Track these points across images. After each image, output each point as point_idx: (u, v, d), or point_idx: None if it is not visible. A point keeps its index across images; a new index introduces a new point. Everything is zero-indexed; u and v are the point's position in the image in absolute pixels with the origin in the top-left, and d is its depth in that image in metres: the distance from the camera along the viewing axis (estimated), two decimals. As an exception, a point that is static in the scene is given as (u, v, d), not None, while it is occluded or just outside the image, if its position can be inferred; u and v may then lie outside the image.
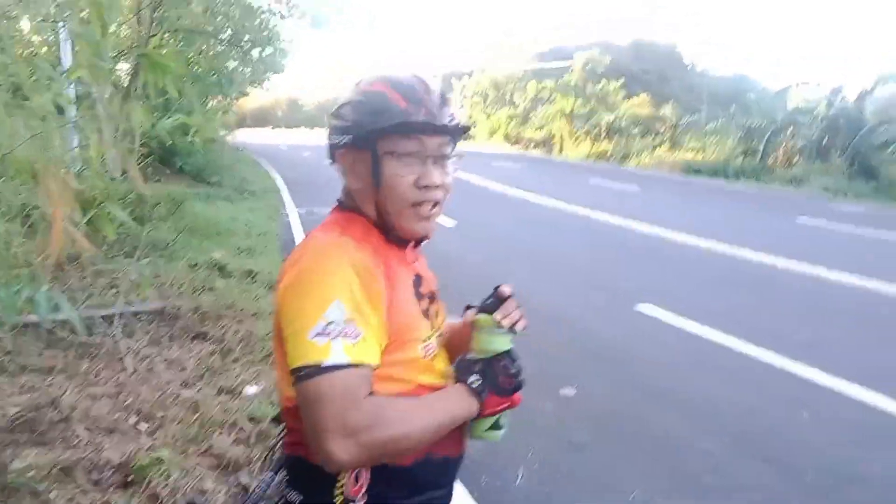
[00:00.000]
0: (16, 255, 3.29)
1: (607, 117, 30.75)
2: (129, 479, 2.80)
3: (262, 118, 58.80)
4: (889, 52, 59.69)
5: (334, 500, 1.18)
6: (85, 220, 3.55)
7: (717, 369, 4.83)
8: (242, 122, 49.06)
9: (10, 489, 2.50)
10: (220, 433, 3.35)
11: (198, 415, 3.50)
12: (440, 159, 1.24)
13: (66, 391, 3.44)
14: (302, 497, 1.23)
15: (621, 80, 32.37)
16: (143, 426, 3.38)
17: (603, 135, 30.58)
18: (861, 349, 5.32)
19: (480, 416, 1.24)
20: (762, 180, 21.03)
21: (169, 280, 5.90)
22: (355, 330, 1.09)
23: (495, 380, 1.24)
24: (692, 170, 23.14)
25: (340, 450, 1.06)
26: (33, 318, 3.76)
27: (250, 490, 1.37)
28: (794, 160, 22.90)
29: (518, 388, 1.27)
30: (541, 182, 18.61)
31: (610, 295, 6.86)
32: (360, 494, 1.18)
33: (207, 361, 4.32)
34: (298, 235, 9.48)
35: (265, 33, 17.29)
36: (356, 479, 1.18)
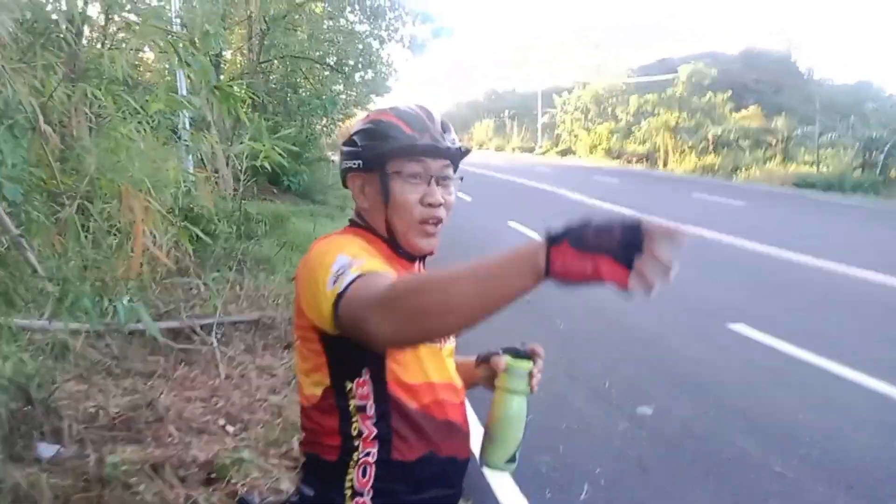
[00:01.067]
0: (101, 268, 3.63)
1: (714, 130, 29.76)
2: (212, 477, 3.04)
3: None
4: None
5: (344, 493, 1.28)
6: (167, 238, 3.85)
7: (803, 391, 4.65)
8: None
9: (105, 481, 2.78)
10: (300, 438, 3.56)
11: (281, 419, 3.73)
12: (443, 180, 1.36)
13: (162, 393, 3.75)
14: (314, 491, 1.33)
15: (728, 93, 31.27)
16: (231, 428, 3.65)
17: (710, 148, 29.61)
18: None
19: (557, 275, 0.93)
20: (881, 194, 19.74)
21: (267, 292, 6.25)
22: (361, 261, 1.17)
23: (581, 231, 0.94)
24: (805, 183, 22.00)
25: (381, 322, 1.02)
26: (140, 325, 4.13)
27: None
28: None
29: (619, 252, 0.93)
30: (640, 197, 18.25)
31: (701, 314, 6.69)
32: (368, 487, 1.28)
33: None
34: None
35: (369, 57, 17.99)
36: (363, 473, 1.28)
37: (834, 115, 28.13)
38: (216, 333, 4.84)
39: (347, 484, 1.29)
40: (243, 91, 4.17)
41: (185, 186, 5.85)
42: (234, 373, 4.45)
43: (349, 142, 1.39)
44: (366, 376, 1.28)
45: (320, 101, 16.50)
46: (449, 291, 0.98)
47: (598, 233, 0.92)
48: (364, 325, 1.05)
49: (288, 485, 3.13)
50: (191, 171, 7.55)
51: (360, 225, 1.41)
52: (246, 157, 6.68)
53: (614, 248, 0.92)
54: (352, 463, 1.29)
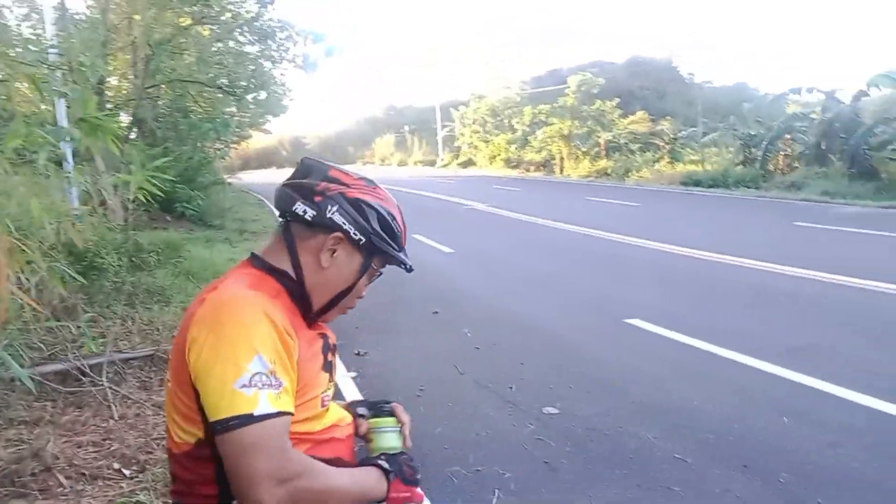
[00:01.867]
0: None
1: (605, 135, 30.91)
2: (107, 524, 2.87)
3: (266, 159, 59.37)
4: (881, 52, 59.81)
5: None
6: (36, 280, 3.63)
7: (698, 379, 4.86)
8: (247, 164, 49.60)
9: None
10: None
11: (180, 456, 3.57)
12: None
13: (49, 441, 3.52)
14: None
15: (616, 100, 32.60)
16: (127, 471, 3.46)
17: (602, 153, 30.72)
18: (851, 352, 5.32)
19: (386, 499, 1.31)
20: (761, 188, 21.02)
21: (161, 325, 6.00)
22: (277, 380, 1.13)
23: (401, 468, 1.34)
24: (692, 181, 23.15)
25: (272, 498, 1.08)
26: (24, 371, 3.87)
27: None
28: (793, 166, 22.89)
29: (417, 483, 1.36)
30: (539, 203, 18.70)
31: (600, 312, 6.90)
32: None
33: (195, 403, 4.39)
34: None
35: (261, 78, 17.68)
36: None
37: (715, 116, 29.83)
38: (107, 373, 4.59)
39: None
40: (117, 123, 4.00)
41: (69, 220, 5.55)
42: (129, 412, 4.23)
43: (360, 209, 1.32)
44: None
45: (213, 125, 16.08)
46: (335, 484, 1.20)
47: (412, 470, 1.36)
48: (253, 488, 1.09)
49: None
50: (76, 204, 7.20)
51: (264, 267, 1.32)
52: (128, 188, 6.42)
53: (417, 480, 1.37)
54: None
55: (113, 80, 15.58)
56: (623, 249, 10.77)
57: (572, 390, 4.71)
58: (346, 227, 1.30)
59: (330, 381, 1.35)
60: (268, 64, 18.16)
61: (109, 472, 3.44)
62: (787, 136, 23.36)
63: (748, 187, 21.24)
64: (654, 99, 40.70)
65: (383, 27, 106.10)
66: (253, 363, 1.12)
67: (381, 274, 1.42)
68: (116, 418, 4.08)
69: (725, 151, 25.74)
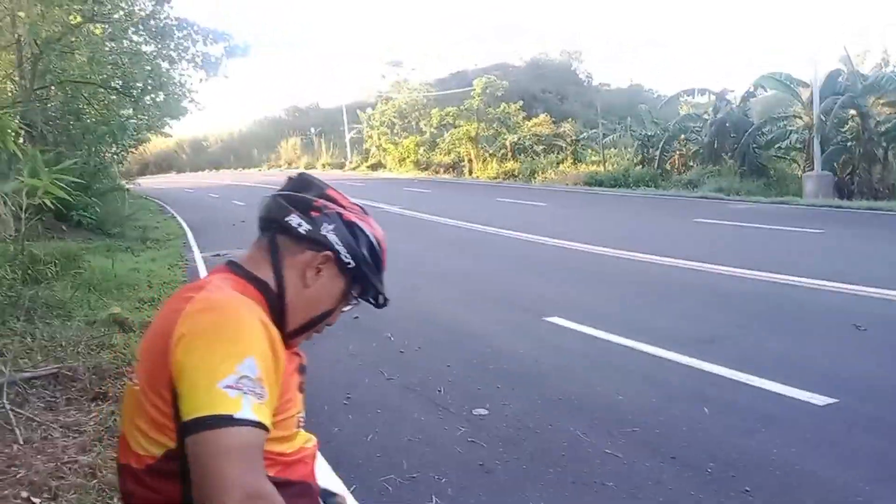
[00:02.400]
0: None
1: (511, 138, 31.46)
2: (20, 559, 2.65)
3: (166, 163, 57.23)
4: (768, 54, 63.71)
5: None
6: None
7: (620, 373, 4.99)
8: (146, 169, 47.63)
9: None
10: (120, 498, 3.22)
11: (95, 480, 3.36)
12: None
13: (-54, 473, 3.23)
14: None
15: (520, 102, 33.25)
16: (36, 500, 3.22)
17: (509, 155, 31.24)
18: (758, 341, 5.60)
19: None
20: (660, 186, 21.92)
21: (65, 341, 5.64)
22: (263, 391, 1.07)
23: None
24: (594, 181, 23.90)
25: None
26: None
27: None
28: (689, 165, 24.00)
29: None
30: (451, 204, 18.82)
31: (519, 310, 6.99)
32: None
33: (107, 422, 4.14)
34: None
35: (158, 79, 16.93)
36: None
37: (613, 118, 30.89)
38: (7, 394, 4.26)
39: None
40: (13, 121, 3.71)
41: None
42: (35, 436, 3.94)
43: (355, 233, 1.30)
44: None
45: (108, 128, 15.32)
46: None
47: None
48: (219, 493, 0.98)
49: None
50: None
51: (246, 276, 1.26)
52: (25, 195, 5.99)
53: None
54: None
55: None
56: (535, 249, 10.97)
57: (499, 390, 4.74)
58: (338, 247, 1.27)
59: (303, 403, 1.30)
60: (165, 64, 17.44)
61: (17, 501, 3.19)
62: (682, 136, 24.50)
63: (648, 186, 22.10)
64: (555, 101, 41.83)
65: (338, 24, 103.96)
66: (243, 365, 1.06)
67: (355, 304, 1.38)
68: (21, 443, 3.79)
69: (625, 152, 26.71)
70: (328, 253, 1.27)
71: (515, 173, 29.18)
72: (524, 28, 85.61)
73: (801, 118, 19.92)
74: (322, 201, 1.29)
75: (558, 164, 28.57)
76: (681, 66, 72.88)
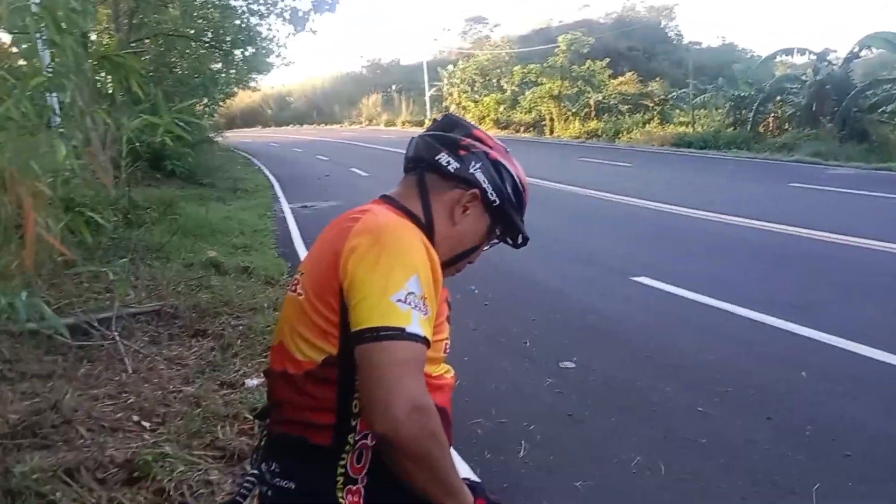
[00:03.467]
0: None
1: (595, 96, 30.67)
2: (135, 476, 2.83)
3: (251, 117, 58.50)
4: (872, 14, 59.65)
5: (336, 480, 1.16)
6: (62, 225, 3.53)
7: (713, 334, 4.87)
8: (232, 123, 48.88)
9: (14, 493, 2.52)
10: (224, 426, 3.38)
11: (200, 409, 3.53)
12: None
13: (67, 394, 3.46)
14: (294, 483, 1.19)
15: (606, 60, 32.25)
16: (146, 423, 3.41)
17: (592, 114, 30.51)
18: (855, 308, 5.35)
19: None
20: (753, 149, 21.00)
21: (165, 281, 5.91)
22: (427, 308, 1.12)
23: (486, 492, 1.31)
24: (683, 143, 23.08)
25: (407, 420, 1.03)
26: (32, 325, 3.78)
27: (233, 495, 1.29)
28: (784, 128, 22.87)
29: None
30: (533, 163, 18.54)
31: (606, 270, 6.89)
32: (363, 474, 1.17)
33: (208, 357, 4.35)
34: (294, 230, 9.49)
35: (248, 33, 17.23)
36: (359, 458, 1.17)
37: (704, 78, 29.61)
38: (116, 327, 4.52)
39: (340, 471, 1.16)
40: (138, 62, 3.83)
41: (65, 174, 5.41)
42: (142, 366, 4.17)
43: (500, 172, 1.33)
44: None
45: (199, 81, 15.74)
46: (436, 483, 1.09)
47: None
48: (392, 401, 1.03)
49: (217, 475, 2.96)
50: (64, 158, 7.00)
51: (402, 209, 1.29)
52: (131, 137, 6.22)
53: None
54: (348, 447, 1.17)
55: (92, 36, 15.15)
56: (621, 209, 10.74)
57: (586, 346, 4.70)
58: (485, 185, 1.30)
59: (449, 333, 1.33)
60: (255, 19, 17.72)
61: (129, 424, 3.39)
62: (778, 98, 23.30)
63: (740, 148, 21.21)
64: (642, 60, 40.37)
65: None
66: (410, 282, 1.10)
67: (496, 242, 1.41)
68: (130, 372, 4.02)
69: (716, 113, 25.63)
70: (475, 191, 1.30)
71: (598, 133, 28.49)
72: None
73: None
74: (469, 140, 1.32)
75: (644, 124, 27.71)
76: (778, 25, 69.07)
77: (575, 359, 4.42)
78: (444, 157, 1.29)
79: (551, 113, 32.22)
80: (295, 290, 1.25)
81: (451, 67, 41.96)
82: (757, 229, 8.48)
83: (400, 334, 1.06)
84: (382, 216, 1.22)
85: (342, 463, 1.16)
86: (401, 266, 1.11)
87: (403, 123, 45.70)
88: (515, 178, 1.35)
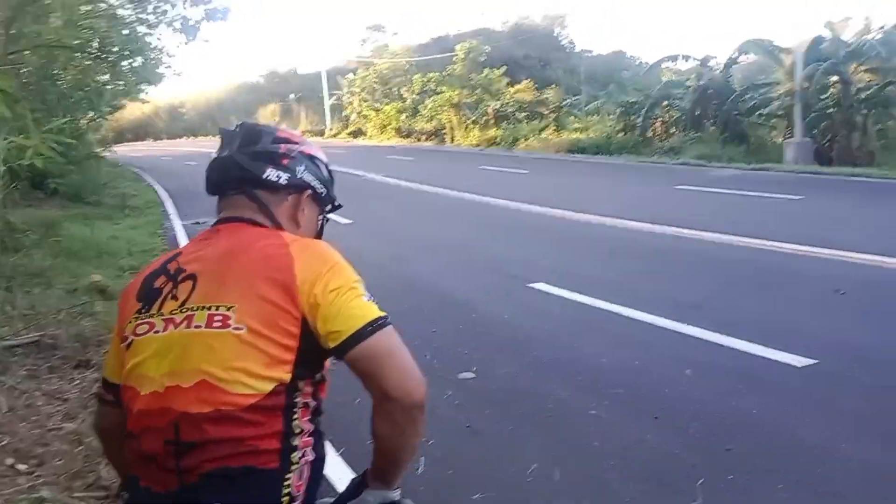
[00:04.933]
0: None
1: (493, 104, 31.23)
2: (8, 524, 2.65)
3: (142, 130, 56.15)
4: (749, 21, 63.64)
5: (282, 501, 1.19)
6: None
7: (606, 337, 5.04)
8: (122, 137, 46.76)
9: None
10: (107, 464, 3.22)
11: (82, 447, 3.34)
12: None
13: (-70, 440, 3.20)
14: None
15: (503, 68, 32.90)
16: (22, 466, 3.20)
17: (491, 122, 31.04)
18: (738, 305, 5.66)
19: None
20: (642, 154, 21.92)
21: (45, 308, 5.57)
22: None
23: None
24: (577, 149, 23.85)
25: (420, 394, 1.24)
26: None
27: None
28: (671, 132, 24.00)
29: None
30: (434, 172, 18.71)
31: (504, 277, 7.01)
32: (303, 491, 1.23)
33: (91, 390, 4.12)
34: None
35: (136, 43, 16.52)
36: (300, 476, 1.22)
37: (595, 85, 30.71)
38: (-11, 362, 4.22)
39: (285, 491, 1.20)
40: (7, 80, 3.60)
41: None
42: (18, 403, 3.91)
43: (316, 163, 1.43)
44: (319, 373, 1.29)
45: (85, 94, 14.98)
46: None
47: None
48: (412, 374, 1.23)
49: (101, 517, 2.81)
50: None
51: (275, 225, 1.39)
52: (4, 159, 5.86)
53: None
54: (294, 466, 1.22)
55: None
56: (519, 216, 10.96)
57: (485, 355, 4.76)
58: (314, 183, 1.42)
59: None
60: (143, 28, 17.02)
61: (2, 468, 3.17)
62: (664, 103, 24.42)
63: (630, 153, 22.10)
64: (538, 68, 41.45)
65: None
66: (362, 283, 1.29)
67: (327, 220, 1.52)
68: (4, 410, 3.76)
69: (607, 119, 26.61)
70: (309, 192, 1.41)
71: (497, 140, 29.02)
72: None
73: (783, 85, 19.93)
74: (285, 147, 1.39)
75: (541, 131, 28.43)
76: (663, 33, 72.50)
77: (475, 369, 4.46)
78: (272, 174, 1.35)
79: (451, 121, 32.56)
80: (225, 326, 1.21)
81: (350, 76, 41.77)
82: (647, 232, 8.85)
83: (386, 321, 1.24)
84: (306, 239, 1.35)
85: (287, 483, 1.20)
86: (350, 272, 1.28)
87: (303, 133, 45.03)
88: (324, 160, 1.46)
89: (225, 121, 54.61)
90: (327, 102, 45.53)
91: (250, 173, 1.35)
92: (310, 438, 1.25)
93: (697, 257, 7.48)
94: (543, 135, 27.66)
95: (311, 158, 1.41)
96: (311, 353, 1.24)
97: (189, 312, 1.24)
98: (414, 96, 35.90)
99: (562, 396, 3.98)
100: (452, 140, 32.24)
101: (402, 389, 1.21)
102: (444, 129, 33.27)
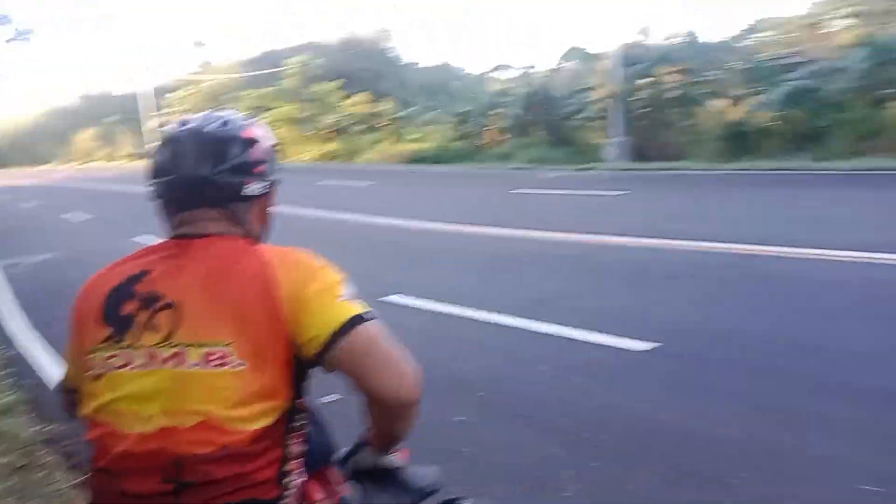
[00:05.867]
0: None
1: (330, 118, 31.04)
2: None
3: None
4: (568, 30, 67.78)
5: None
6: None
7: (462, 342, 5.11)
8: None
9: None
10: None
11: None
12: None
13: None
14: None
15: (340, 81, 32.78)
16: None
17: (329, 135, 30.82)
18: (583, 299, 5.97)
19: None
20: (478, 161, 22.68)
21: None
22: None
23: None
24: (416, 159, 24.25)
25: (416, 385, 1.24)
26: None
27: None
28: (503, 138, 25.01)
29: None
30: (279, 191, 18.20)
31: (360, 294, 6.92)
32: None
33: None
34: (4, 292, 8.28)
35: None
36: (294, 499, 1.21)
37: (428, 96, 31.41)
38: None
39: None
40: None
41: None
42: None
43: (272, 158, 1.37)
44: (305, 393, 1.26)
45: None
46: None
47: None
48: (403, 366, 1.22)
49: None
50: None
51: (250, 237, 1.34)
52: None
53: None
54: (287, 493, 1.20)
55: None
56: (365, 229, 10.93)
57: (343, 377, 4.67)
58: (276, 175, 1.39)
59: None
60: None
61: None
62: (495, 112, 25.43)
63: (466, 161, 22.79)
64: (372, 80, 41.66)
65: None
66: (347, 284, 1.26)
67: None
68: None
69: (443, 129, 27.29)
70: (276, 186, 1.40)
71: (336, 154, 28.87)
72: (333, 4, 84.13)
73: (601, 89, 21.37)
74: (255, 150, 1.32)
75: (378, 143, 28.63)
76: (485, 45, 75.38)
77: (338, 390, 4.36)
78: (252, 188, 1.31)
79: (288, 136, 32.00)
80: (224, 364, 1.15)
81: (173, 94, 39.90)
82: (488, 235, 9.14)
83: (371, 315, 1.22)
84: (277, 252, 1.27)
85: None
86: (329, 274, 1.26)
87: (126, 157, 42.43)
88: (273, 141, 1.41)
89: (39, 149, 50.12)
90: (145, 124, 43.16)
91: (228, 191, 1.28)
92: (300, 460, 1.24)
93: (539, 256, 7.80)
94: (382, 146, 27.89)
95: (274, 147, 1.38)
96: (303, 370, 1.23)
97: (178, 349, 1.16)
98: (245, 112, 34.88)
99: (424, 407, 3.97)
100: (291, 155, 31.66)
101: (388, 389, 1.19)
102: (281, 144, 32.58)
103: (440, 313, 5.86)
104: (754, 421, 3.48)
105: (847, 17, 19.20)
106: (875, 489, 2.78)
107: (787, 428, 3.38)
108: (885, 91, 16.00)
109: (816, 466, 3.03)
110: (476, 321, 5.54)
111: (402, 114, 30.68)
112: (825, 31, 20.06)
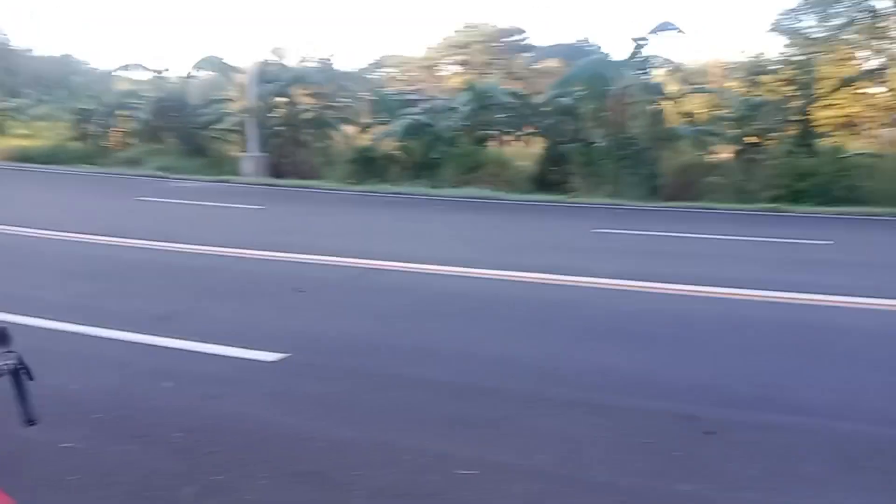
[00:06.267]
0: None
1: None
2: None
3: None
4: (204, 38, 65.60)
5: None
6: None
7: (76, 361, 4.64)
8: None
9: None
10: None
11: None
12: None
13: None
14: None
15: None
16: None
17: None
18: (212, 311, 5.90)
19: None
20: (100, 164, 20.78)
21: None
22: None
23: None
24: (25, 157, 21.31)
25: None
26: None
27: None
28: (130, 142, 23.27)
29: None
30: None
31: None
32: None
33: None
34: None
35: None
36: None
37: (42, 88, 27.77)
38: None
39: None
40: None
41: None
42: None
43: None
44: None
45: None
46: None
47: None
48: None
49: None
50: None
51: None
52: None
53: None
54: None
55: None
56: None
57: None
58: None
59: None
60: None
61: None
62: (122, 113, 23.56)
63: (87, 163, 20.73)
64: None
65: None
66: None
67: None
68: None
69: (59, 126, 24.42)
70: None
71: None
72: None
73: (236, 102, 21.21)
74: None
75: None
76: (116, 41, 68.93)
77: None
78: None
79: None
80: None
81: None
82: (109, 245, 8.49)
83: None
84: None
85: None
86: None
87: None
88: None
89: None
90: None
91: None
92: None
93: (166, 268, 7.50)
94: (-21, 141, 23.90)
95: None
96: None
97: None
98: None
99: (27, 436, 3.55)
100: None
101: None
102: None
103: (53, 331, 5.26)
104: (371, 423, 3.84)
105: (455, 63, 22.07)
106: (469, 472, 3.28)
107: (388, 427, 3.81)
108: (486, 131, 18.84)
109: (405, 456, 3.45)
110: (95, 338, 5.11)
111: (6, 106, 26.61)
112: (440, 73, 22.78)
